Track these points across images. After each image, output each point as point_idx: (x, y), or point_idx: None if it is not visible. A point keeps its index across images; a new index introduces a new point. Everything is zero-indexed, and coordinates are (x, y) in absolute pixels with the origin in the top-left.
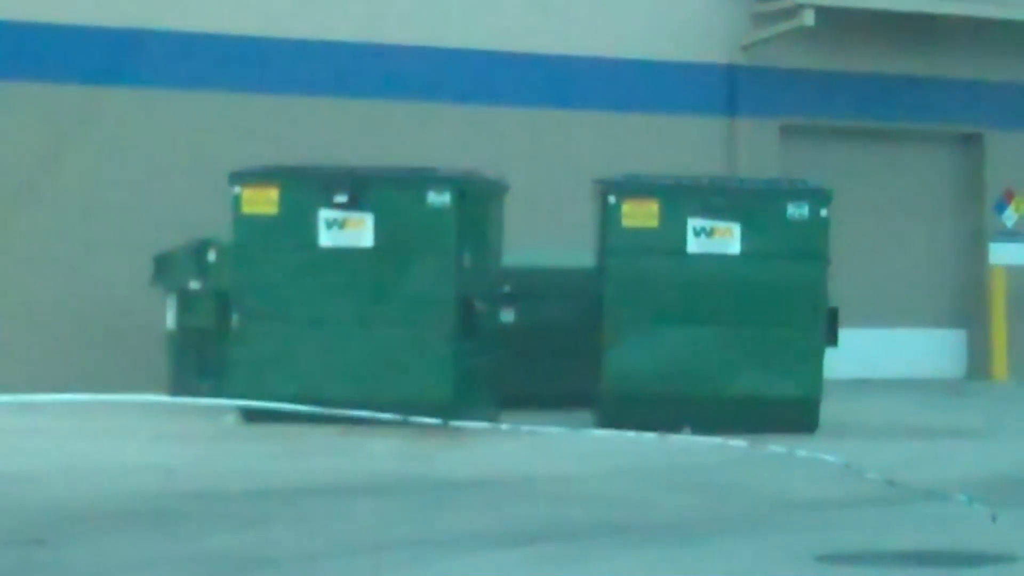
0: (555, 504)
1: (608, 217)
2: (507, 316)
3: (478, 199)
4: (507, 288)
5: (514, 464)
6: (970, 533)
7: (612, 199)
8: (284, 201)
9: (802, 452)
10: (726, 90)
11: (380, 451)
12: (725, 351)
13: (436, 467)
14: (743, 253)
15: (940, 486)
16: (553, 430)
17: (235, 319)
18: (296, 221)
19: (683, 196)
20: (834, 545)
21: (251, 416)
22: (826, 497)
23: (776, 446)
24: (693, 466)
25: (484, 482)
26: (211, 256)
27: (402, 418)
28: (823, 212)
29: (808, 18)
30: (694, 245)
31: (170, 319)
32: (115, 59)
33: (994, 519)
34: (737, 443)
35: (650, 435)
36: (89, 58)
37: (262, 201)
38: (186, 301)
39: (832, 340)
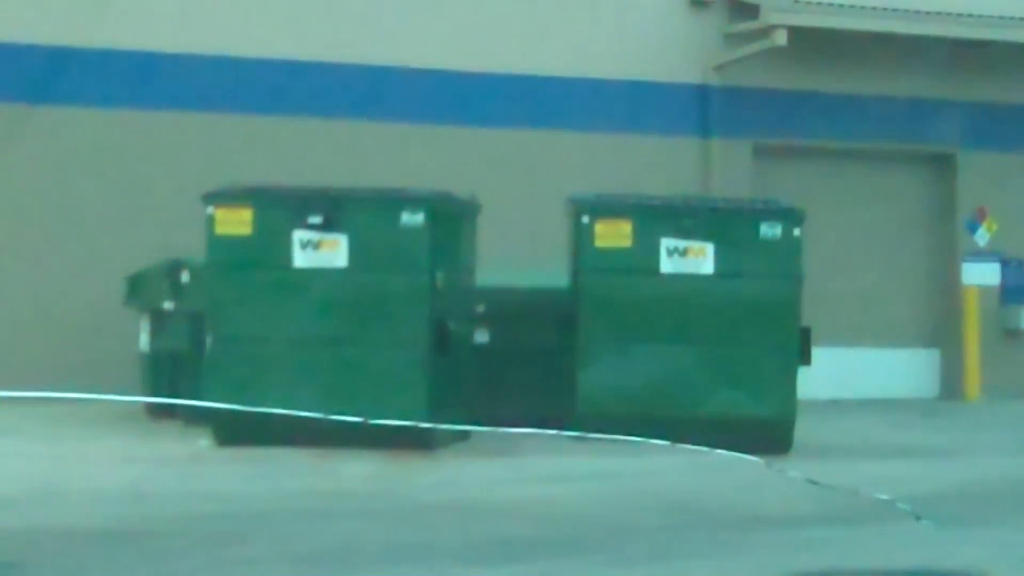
0: (529, 525)
1: (581, 237)
2: (481, 336)
3: (451, 219)
4: (481, 308)
5: (489, 485)
6: (935, 551)
7: (585, 219)
8: (258, 222)
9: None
10: (699, 110)
11: (355, 473)
12: (698, 371)
13: (411, 489)
14: (716, 273)
15: (911, 503)
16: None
17: (209, 340)
18: (270, 242)
19: (656, 216)
20: (801, 564)
21: (225, 439)
22: (791, 515)
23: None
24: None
25: (459, 503)
26: (184, 277)
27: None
28: (796, 232)
29: (781, 38)
30: (667, 265)
31: (144, 340)
32: (82, 76)
33: (918, 518)
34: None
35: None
36: (43, 73)
37: (236, 222)
38: (160, 322)
39: (805, 360)
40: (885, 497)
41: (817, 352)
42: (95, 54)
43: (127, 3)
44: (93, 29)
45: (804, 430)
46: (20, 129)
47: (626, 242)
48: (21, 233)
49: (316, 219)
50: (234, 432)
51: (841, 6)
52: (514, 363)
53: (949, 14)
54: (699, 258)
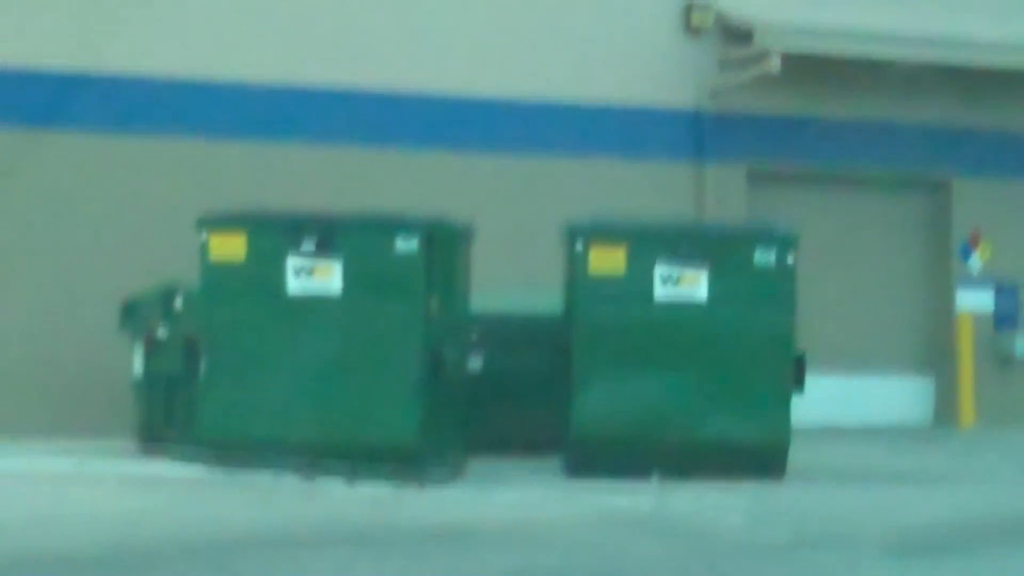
0: (526, 552)
1: (576, 263)
2: (475, 362)
3: (446, 245)
4: (475, 334)
5: (484, 511)
6: None
7: (579, 245)
8: (252, 247)
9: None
10: (693, 135)
11: (348, 501)
12: (692, 397)
13: (405, 515)
14: (710, 299)
15: (902, 531)
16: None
17: (202, 366)
18: (264, 268)
19: (650, 242)
20: None
21: (217, 466)
22: (791, 543)
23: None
24: (661, 513)
25: (454, 530)
26: (178, 303)
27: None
28: (790, 258)
29: (775, 64)
30: (661, 291)
31: (137, 366)
32: (76, 101)
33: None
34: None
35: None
36: (40, 101)
37: (230, 247)
38: (153, 348)
39: (799, 386)
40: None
41: (811, 379)
42: (91, 81)
43: (122, 30)
44: (90, 57)
45: (799, 456)
46: (21, 157)
47: (620, 269)
48: (16, 258)
49: (310, 245)
50: (226, 459)
51: (836, 32)
52: (508, 389)
53: (944, 41)
54: (693, 285)
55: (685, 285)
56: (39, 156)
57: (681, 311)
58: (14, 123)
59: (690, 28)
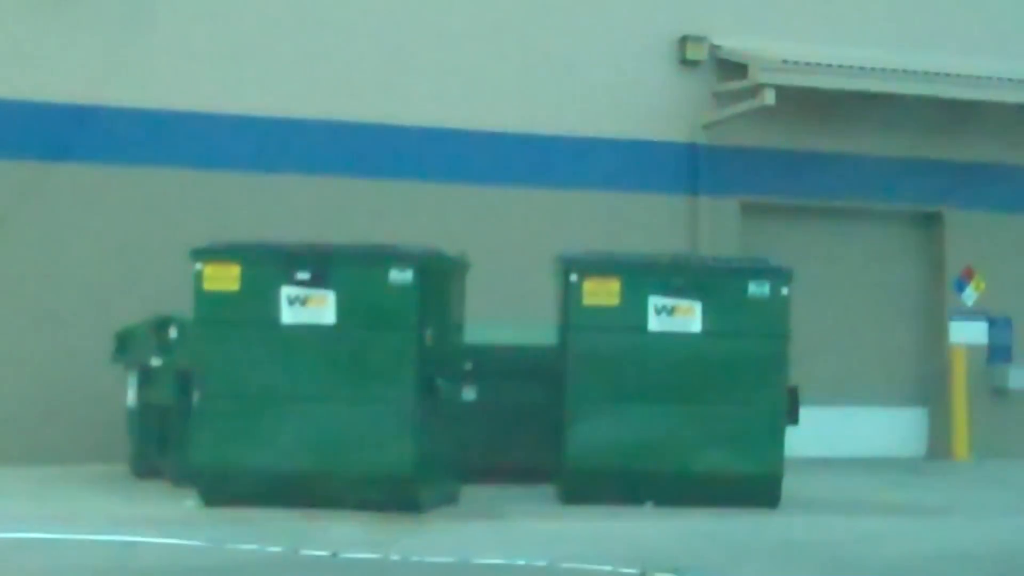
0: None
1: (569, 295)
2: (469, 393)
3: (440, 276)
4: (469, 365)
5: (477, 549)
6: None
7: (573, 277)
8: (246, 278)
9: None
10: (687, 168)
11: (343, 536)
12: (686, 428)
13: (400, 553)
14: (704, 331)
15: (892, 561)
16: None
17: (196, 396)
18: (258, 298)
19: (644, 274)
20: None
21: (212, 500)
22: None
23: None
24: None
25: (449, 568)
26: (172, 333)
27: None
28: (784, 291)
29: (769, 98)
30: (655, 323)
31: (131, 396)
32: (74, 134)
33: None
34: None
35: None
36: (40, 133)
37: (224, 278)
38: (147, 378)
39: (793, 418)
40: None
41: (805, 411)
42: (95, 115)
43: (124, 66)
44: (94, 91)
45: (793, 487)
46: (28, 189)
47: (614, 300)
48: (16, 287)
49: (304, 275)
50: (221, 493)
51: (829, 66)
52: (502, 420)
53: (936, 74)
54: (687, 316)
55: (679, 316)
56: (43, 188)
57: (675, 342)
58: (22, 156)
59: (684, 61)
